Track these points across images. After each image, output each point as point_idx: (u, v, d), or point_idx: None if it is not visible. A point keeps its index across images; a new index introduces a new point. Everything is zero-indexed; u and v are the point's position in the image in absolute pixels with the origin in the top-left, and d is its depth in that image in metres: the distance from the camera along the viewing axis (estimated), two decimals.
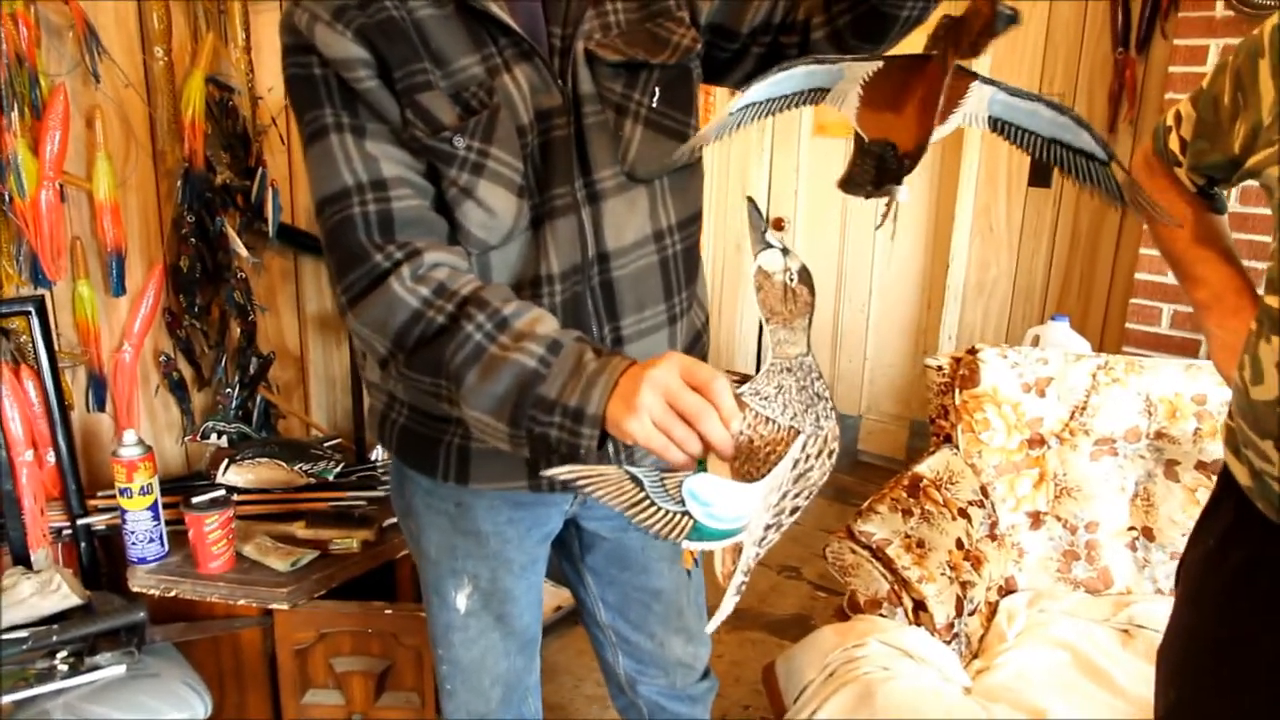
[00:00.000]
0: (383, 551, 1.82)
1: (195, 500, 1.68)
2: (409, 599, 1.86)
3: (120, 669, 1.44)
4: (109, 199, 1.82)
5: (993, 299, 2.91)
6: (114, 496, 1.69)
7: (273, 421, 2.17)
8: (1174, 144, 1.04)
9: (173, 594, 1.67)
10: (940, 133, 0.72)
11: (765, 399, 0.77)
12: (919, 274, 3.18)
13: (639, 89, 0.98)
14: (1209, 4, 2.10)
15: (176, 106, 1.88)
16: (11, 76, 1.63)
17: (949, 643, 1.55)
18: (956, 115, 0.73)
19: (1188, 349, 2.23)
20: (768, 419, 0.76)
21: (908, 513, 1.66)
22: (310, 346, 2.29)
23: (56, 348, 1.76)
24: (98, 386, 1.92)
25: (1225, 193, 1.06)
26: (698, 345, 1.15)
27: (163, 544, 1.72)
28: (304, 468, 1.91)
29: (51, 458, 1.74)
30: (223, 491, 1.74)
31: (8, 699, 1.35)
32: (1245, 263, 1.06)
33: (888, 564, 1.57)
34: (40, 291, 1.77)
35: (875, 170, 0.77)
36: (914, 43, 0.84)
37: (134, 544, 1.69)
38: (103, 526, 1.77)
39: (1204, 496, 1.73)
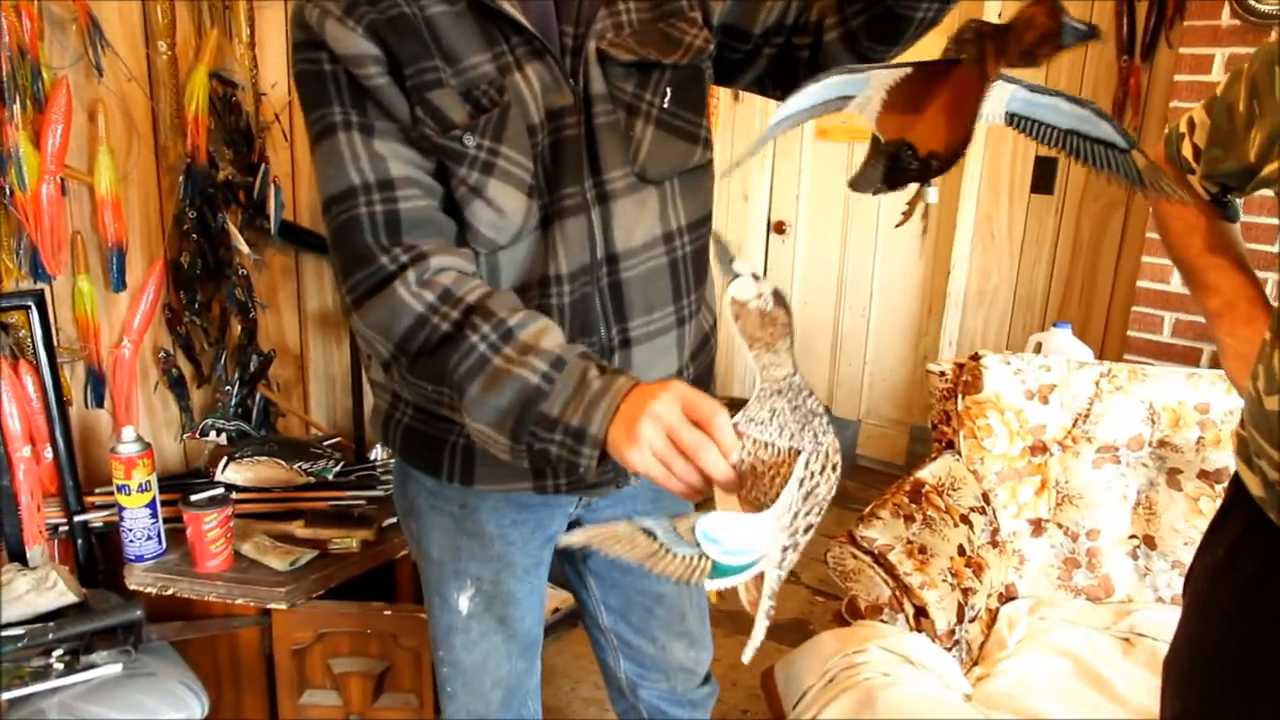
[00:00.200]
0: (382, 551, 1.81)
1: (194, 498, 1.67)
2: (408, 600, 1.85)
3: (116, 667, 1.43)
4: (110, 193, 1.81)
5: (994, 306, 2.91)
6: (112, 493, 1.68)
7: (272, 420, 2.16)
8: (1187, 151, 1.03)
9: (170, 592, 1.66)
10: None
11: (761, 424, 0.77)
12: (920, 280, 3.18)
13: (651, 89, 0.98)
14: (1214, 12, 2.10)
15: (179, 101, 1.88)
16: (14, 69, 1.63)
17: (950, 649, 1.55)
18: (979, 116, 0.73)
19: (1189, 357, 2.23)
20: (767, 444, 0.76)
21: (909, 518, 1.66)
22: (310, 345, 2.29)
23: (56, 343, 1.75)
24: (96, 382, 1.91)
25: (1239, 200, 1.06)
26: (705, 348, 1.15)
27: (160, 542, 1.72)
28: (303, 466, 1.91)
29: (49, 453, 1.73)
30: (221, 490, 1.74)
31: (3, 697, 1.34)
32: None
33: (889, 569, 1.57)
34: (40, 286, 1.76)
35: (887, 170, 0.78)
36: (926, 46, 0.84)
37: (131, 541, 1.68)
38: (100, 523, 1.76)
39: (1206, 505, 1.75)
